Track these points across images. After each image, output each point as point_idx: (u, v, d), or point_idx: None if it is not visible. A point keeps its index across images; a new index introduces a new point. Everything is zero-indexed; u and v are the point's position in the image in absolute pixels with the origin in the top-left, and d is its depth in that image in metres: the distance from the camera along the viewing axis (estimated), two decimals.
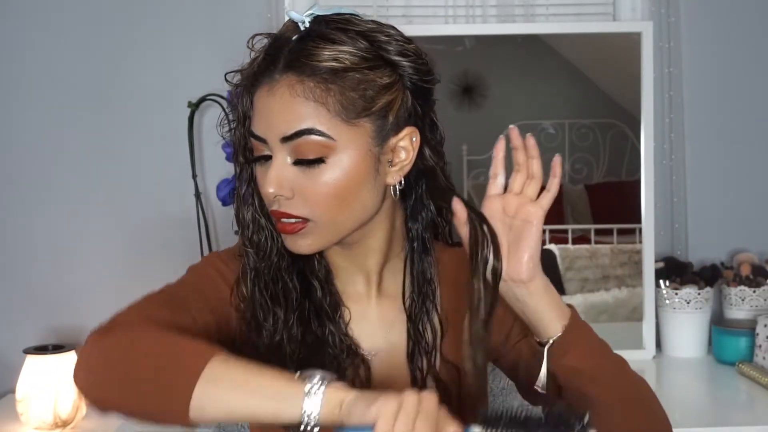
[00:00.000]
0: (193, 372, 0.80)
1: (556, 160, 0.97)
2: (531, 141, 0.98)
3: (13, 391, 1.92)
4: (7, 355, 2.06)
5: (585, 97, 2.24)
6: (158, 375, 0.82)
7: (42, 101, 2.13)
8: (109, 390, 0.85)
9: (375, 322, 1.04)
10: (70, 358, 1.88)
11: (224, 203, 1.84)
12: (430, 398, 0.78)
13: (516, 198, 0.97)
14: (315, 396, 0.79)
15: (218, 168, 2.01)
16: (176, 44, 2.13)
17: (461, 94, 2.17)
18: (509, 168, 0.99)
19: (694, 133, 2.20)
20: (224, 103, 1.12)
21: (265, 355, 0.97)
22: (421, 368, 1.02)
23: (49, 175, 2.13)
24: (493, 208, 0.97)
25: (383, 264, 1.03)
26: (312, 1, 2.13)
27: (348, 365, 0.99)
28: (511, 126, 0.99)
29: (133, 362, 0.84)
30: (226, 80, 0.98)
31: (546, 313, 0.96)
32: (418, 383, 1.01)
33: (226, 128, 1.01)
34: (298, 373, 0.82)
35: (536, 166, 0.97)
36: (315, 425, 0.78)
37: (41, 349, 1.88)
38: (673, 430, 1.13)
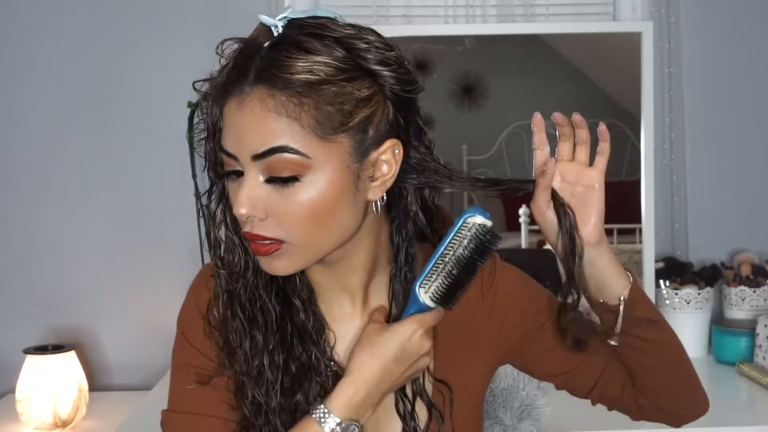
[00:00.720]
0: None
1: (603, 127, 0.99)
2: (578, 116, 0.99)
3: (12, 391, 1.92)
4: (7, 355, 2.06)
5: (585, 97, 2.24)
6: None
7: (42, 101, 2.13)
8: None
9: None
10: (69, 358, 1.88)
11: None
12: (423, 338, 0.92)
13: (572, 165, 0.98)
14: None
15: None
16: (176, 44, 2.13)
17: (461, 94, 2.17)
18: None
19: (694, 133, 2.20)
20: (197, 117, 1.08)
21: (246, 384, 0.94)
22: (409, 392, 0.99)
23: (49, 175, 2.13)
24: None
25: (368, 281, 0.99)
26: (313, 3, 2.14)
27: None
28: (555, 113, 1.00)
29: None
30: (195, 89, 0.92)
31: (613, 272, 0.97)
32: (407, 406, 0.98)
33: (198, 137, 0.95)
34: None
35: (584, 133, 0.99)
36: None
37: (41, 349, 1.88)
38: (674, 430, 1.14)
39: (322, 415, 0.90)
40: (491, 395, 1.29)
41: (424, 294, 0.92)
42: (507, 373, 1.29)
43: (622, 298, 0.97)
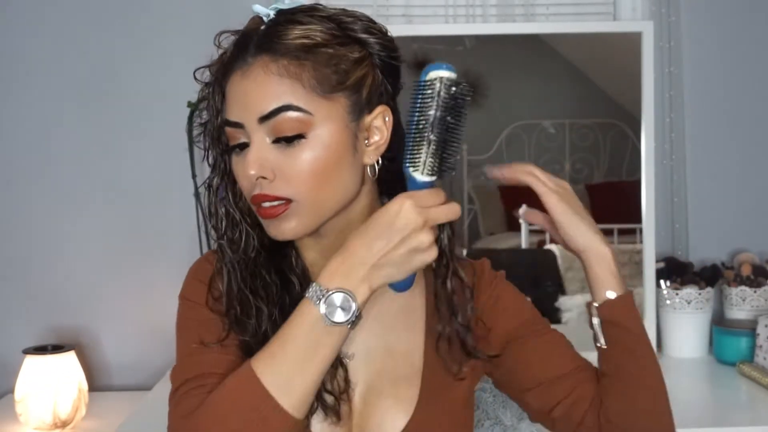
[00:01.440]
0: (261, 393, 0.86)
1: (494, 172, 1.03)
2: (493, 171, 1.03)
3: (12, 391, 1.92)
4: (6, 355, 2.06)
5: (585, 97, 2.24)
6: (248, 423, 0.86)
7: (42, 102, 2.12)
8: None
9: None
10: (69, 358, 1.88)
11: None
12: (414, 213, 0.88)
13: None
14: (335, 309, 0.87)
15: None
16: (176, 44, 2.13)
17: None
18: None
19: (694, 133, 2.20)
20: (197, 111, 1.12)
21: (254, 349, 0.95)
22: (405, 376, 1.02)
23: (49, 175, 2.13)
24: None
25: None
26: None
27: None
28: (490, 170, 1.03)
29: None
30: (195, 78, 0.98)
31: (599, 280, 1.01)
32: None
33: (196, 131, 1.00)
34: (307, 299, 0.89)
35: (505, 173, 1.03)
36: (357, 316, 0.88)
37: (40, 350, 1.88)
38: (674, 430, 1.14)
39: (312, 292, 0.89)
40: (491, 395, 1.28)
41: (415, 171, 0.90)
42: None
43: (594, 305, 1.01)
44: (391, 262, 0.89)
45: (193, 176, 2.02)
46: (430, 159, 0.89)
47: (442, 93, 0.88)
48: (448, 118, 0.88)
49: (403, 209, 0.88)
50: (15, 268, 2.14)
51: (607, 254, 1.00)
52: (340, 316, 0.87)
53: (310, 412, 0.94)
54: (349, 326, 0.88)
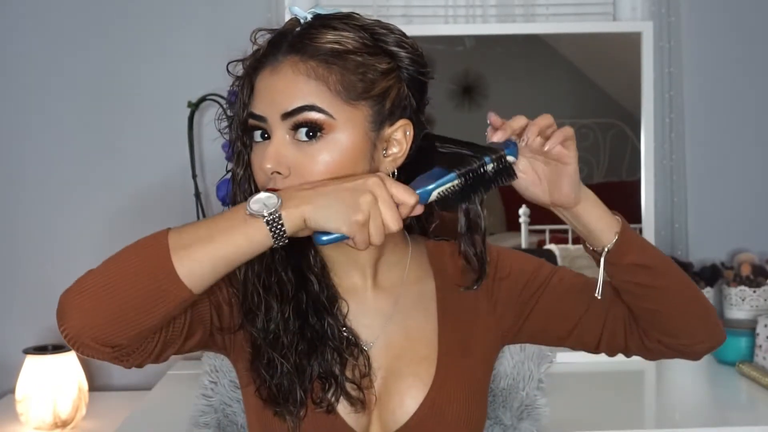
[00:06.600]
0: (162, 254, 0.87)
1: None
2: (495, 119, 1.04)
3: (12, 391, 1.92)
4: (7, 355, 2.06)
5: (585, 97, 2.24)
6: (139, 277, 0.88)
7: (42, 102, 2.13)
8: (109, 320, 0.94)
9: (372, 315, 1.05)
10: (69, 359, 1.88)
11: (224, 203, 1.84)
12: (377, 183, 0.88)
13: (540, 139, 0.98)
14: (274, 215, 0.87)
15: (218, 168, 2.00)
16: (176, 44, 2.13)
17: (461, 94, 2.17)
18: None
19: (694, 133, 2.20)
20: (224, 103, 1.15)
21: (264, 346, 0.99)
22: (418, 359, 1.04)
23: (50, 175, 2.13)
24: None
25: (377, 258, 1.05)
26: (313, 3, 2.14)
27: (348, 356, 1.01)
28: (491, 115, 1.04)
29: (110, 285, 0.93)
30: (228, 71, 1.01)
31: (599, 225, 1.00)
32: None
33: (224, 123, 1.03)
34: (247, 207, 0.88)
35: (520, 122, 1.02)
36: (284, 238, 0.88)
37: (41, 350, 1.88)
38: (674, 430, 1.14)
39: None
40: (491, 395, 1.28)
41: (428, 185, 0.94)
42: (507, 373, 1.29)
43: (605, 249, 1.00)
44: (328, 201, 0.88)
45: (194, 176, 2.02)
46: (443, 188, 0.94)
47: (496, 165, 0.95)
48: (482, 186, 0.96)
49: (371, 178, 0.89)
50: (15, 268, 2.14)
51: (593, 195, 1.01)
52: (257, 207, 0.87)
53: (335, 401, 0.98)
54: (270, 228, 0.87)
